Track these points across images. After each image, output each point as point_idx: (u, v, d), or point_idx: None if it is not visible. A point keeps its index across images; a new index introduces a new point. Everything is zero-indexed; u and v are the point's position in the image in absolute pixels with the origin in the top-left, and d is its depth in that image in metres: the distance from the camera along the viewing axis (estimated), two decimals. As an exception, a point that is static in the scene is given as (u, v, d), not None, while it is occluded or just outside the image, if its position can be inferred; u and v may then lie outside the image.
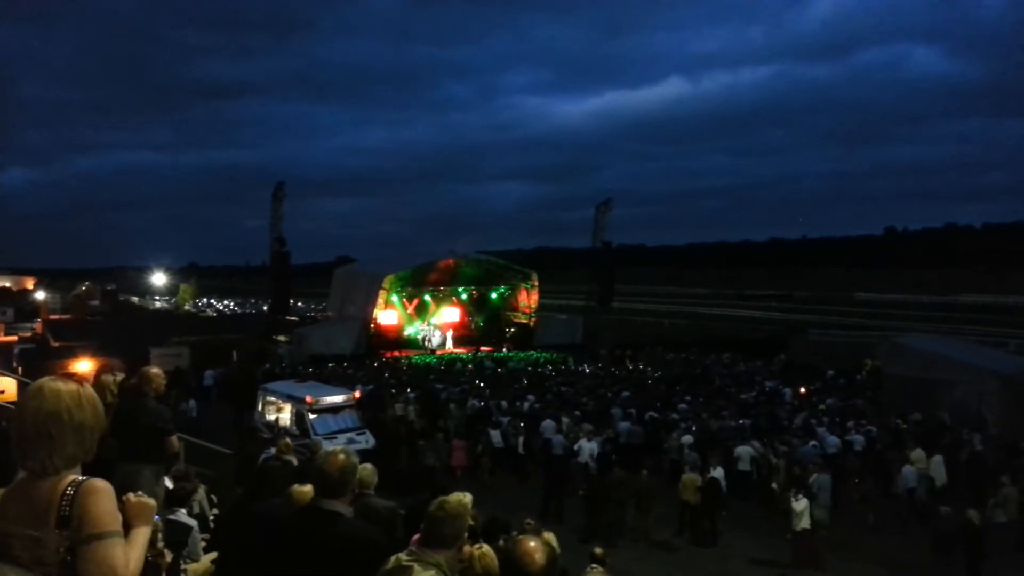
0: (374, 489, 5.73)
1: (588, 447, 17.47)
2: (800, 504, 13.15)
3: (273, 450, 9.65)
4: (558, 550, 2.95)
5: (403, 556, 2.93)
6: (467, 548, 3.22)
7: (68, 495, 2.12)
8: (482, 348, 42.81)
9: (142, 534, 2.38)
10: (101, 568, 2.09)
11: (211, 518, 7.77)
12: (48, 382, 2.25)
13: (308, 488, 3.92)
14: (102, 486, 2.20)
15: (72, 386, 2.26)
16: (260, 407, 20.06)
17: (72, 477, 2.18)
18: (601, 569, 6.45)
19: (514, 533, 6.12)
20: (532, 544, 2.66)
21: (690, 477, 14.85)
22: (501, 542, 3.59)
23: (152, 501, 2.49)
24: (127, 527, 2.30)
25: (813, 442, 18.09)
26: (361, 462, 4.21)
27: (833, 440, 18.47)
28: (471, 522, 3.17)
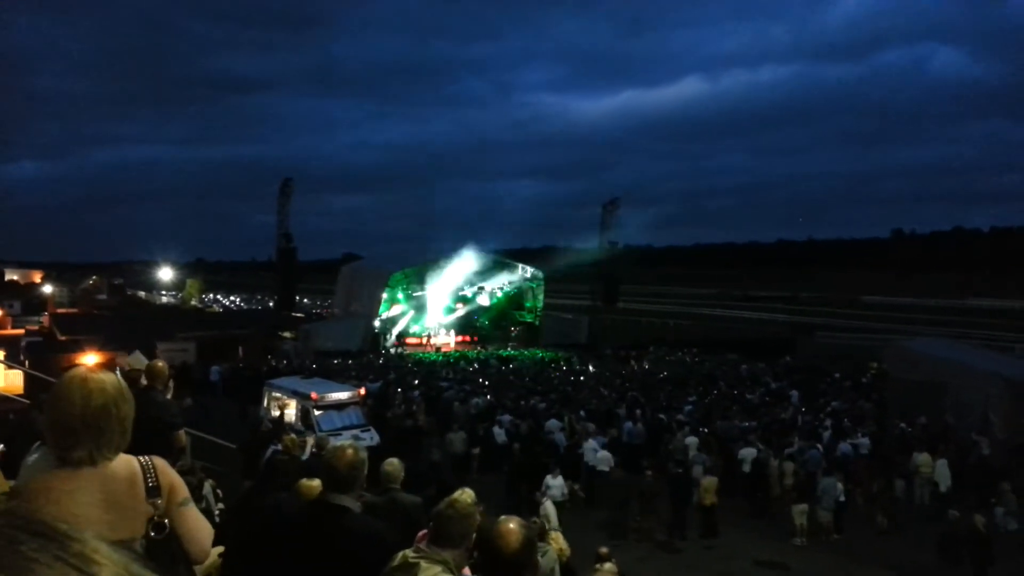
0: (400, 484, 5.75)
1: (594, 449, 17.54)
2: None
3: (279, 445, 9.69)
4: (535, 538, 2.91)
5: (410, 553, 2.94)
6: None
7: (150, 469, 2.31)
8: (487, 346, 42.86)
9: None
10: (198, 523, 2.41)
11: (217, 512, 7.81)
12: (90, 374, 2.27)
13: (316, 483, 3.95)
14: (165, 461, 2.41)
15: (114, 378, 2.30)
16: (265, 403, 20.11)
17: (133, 456, 2.32)
18: (612, 567, 6.47)
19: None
20: (511, 526, 2.61)
21: (711, 480, 14.87)
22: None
23: None
24: None
25: (818, 445, 18.06)
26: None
27: (844, 447, 18.43)
28: (479, 519, 3.18)
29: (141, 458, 2.32)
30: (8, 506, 0.71)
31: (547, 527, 12.20)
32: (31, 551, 0.66)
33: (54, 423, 2.22)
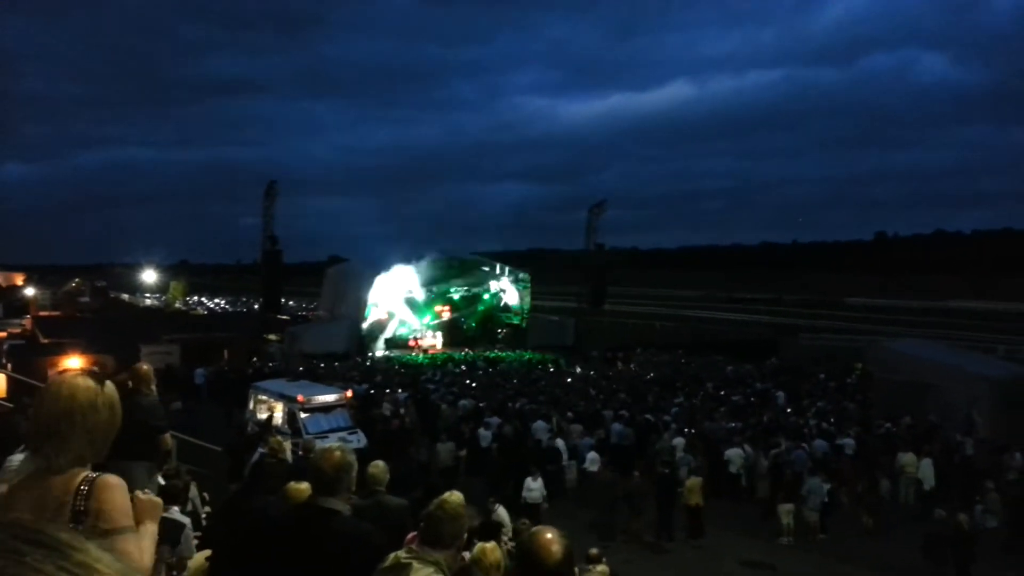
0: (385, 486, 5.74)
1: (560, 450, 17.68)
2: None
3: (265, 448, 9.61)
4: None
5: (402, 554, 2.94)
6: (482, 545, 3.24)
7: (83, 490, 2.11)
8: (473, 348, 42.81)
9: (151, 530, 2.39)
10: (122, 559, 2.08)
11: (203, 515, 7.76)
12: (68, 379, 2.21)
13: (304, 486, 3.92)
14: (116, 482, 2.18)
15: (90, 385, 2.21)
16: (251, 406, 19.99)
17: (85, 473, 2.15)
18: (604, 569, 6.47)
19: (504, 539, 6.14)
20: (549, 536, 2.65)
21: (694, 481, 14.91)
22: (506, 539, 3.63)
23: (159, 499, 2.49)
24: (136, 523, 2.29)
25: (803, 445, 18.16)
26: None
27: (820, 444, 18.56)
28: (470, 523, 3.18)
29: (91, 474, 2.16)
30: (9, 518, 0.73)
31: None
32: (35, 562, 0.67)
33: (29, 424, 2.22)
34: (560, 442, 18.01)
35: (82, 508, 2.09)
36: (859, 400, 26.00)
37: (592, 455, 17.40)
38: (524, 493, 14.56)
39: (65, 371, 2.38)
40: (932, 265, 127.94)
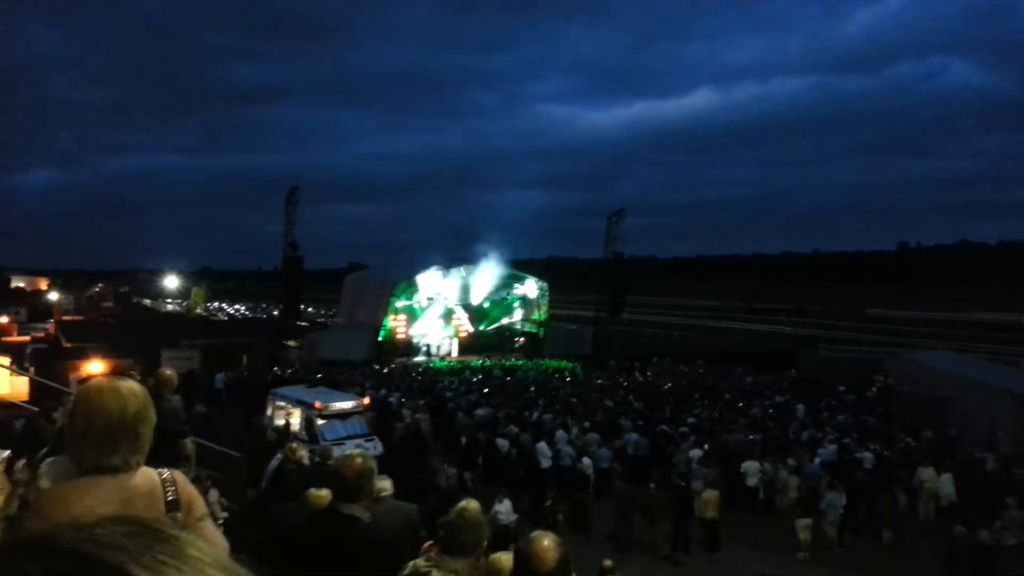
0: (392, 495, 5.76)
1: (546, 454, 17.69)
2: None
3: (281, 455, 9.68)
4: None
5: (421, 562, 2.97)
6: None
7: (169, 482, 2.28)
8: (490, 356, 42.83)
9: None
10: (215, 539, 2.37)
11: (221, 521, 7.82)
12: (121, 383, 2.28)
13: (325, 492, 3.96)
14: (184, 475, 2.40)
15: (142, 386, 2.32)
16: (269, 411, 20.12)
17: (152, 469, 2.30)
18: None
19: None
20: (546, 543, 2.68)
21: (711, 494, 14.80)
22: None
23: None
24: None
25: (819, 459, 17.99)
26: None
27: (828, 450, 18.42)
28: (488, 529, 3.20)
29: (162, 471, 2.30)
30: (132, 515, 0.80)
31: None
32: (161, 555, 0.74)
33: (90, 430, 2.19)
34: (542, 445, 17.92)
35: (174, 499, 2.26)
36: (879, 413, 25.74)
37: (586, 460, 17.36)
38: (493, 515, 14.02)
39: (101, 375, 2.46)
40: (955, 276, 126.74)
